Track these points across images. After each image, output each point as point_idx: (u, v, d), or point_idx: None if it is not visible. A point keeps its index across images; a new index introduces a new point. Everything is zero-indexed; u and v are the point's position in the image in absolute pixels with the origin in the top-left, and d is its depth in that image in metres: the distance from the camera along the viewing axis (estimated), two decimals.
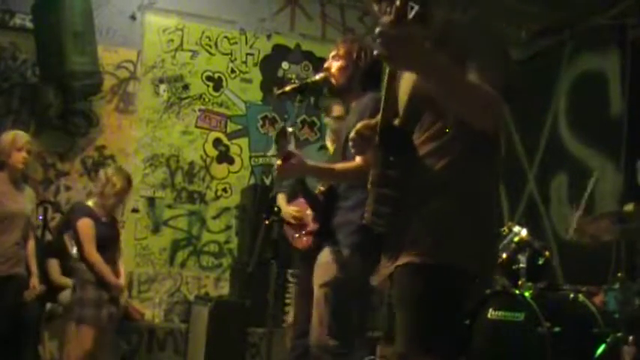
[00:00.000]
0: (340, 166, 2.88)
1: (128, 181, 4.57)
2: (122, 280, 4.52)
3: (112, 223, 4.60)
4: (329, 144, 4.38)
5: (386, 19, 1.69)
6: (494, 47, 1.92)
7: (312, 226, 3.69)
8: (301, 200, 3.89)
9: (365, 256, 2.74)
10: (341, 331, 2.85)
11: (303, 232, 3.81)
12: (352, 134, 2.16)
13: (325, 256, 2.93)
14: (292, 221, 3.91)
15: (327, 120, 4.53)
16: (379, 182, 1.90)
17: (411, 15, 1.68)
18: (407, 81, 2.00)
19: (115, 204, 4.55)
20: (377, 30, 1.70)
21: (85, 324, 4.25)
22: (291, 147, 2.82)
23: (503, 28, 2.02)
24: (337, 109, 4.31)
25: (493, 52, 1.89)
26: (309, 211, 3.77)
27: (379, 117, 1.96)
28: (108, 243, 4.46)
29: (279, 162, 2.65)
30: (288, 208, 4.05)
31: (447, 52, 1.83)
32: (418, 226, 1.88)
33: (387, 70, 1.90)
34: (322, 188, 3.14)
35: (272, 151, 6.42)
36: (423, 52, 1.75)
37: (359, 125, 2.16)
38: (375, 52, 1.73)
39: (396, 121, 1.95)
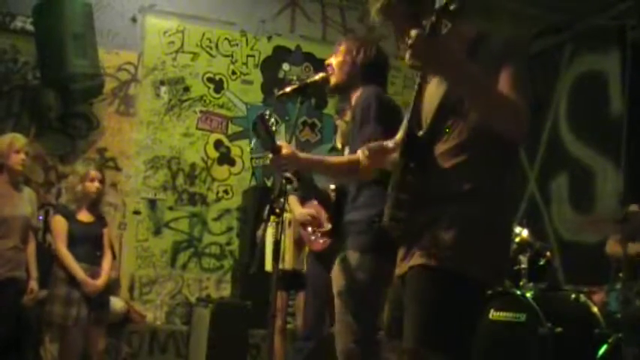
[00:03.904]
0: (335, 159, 2.84)
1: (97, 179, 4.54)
2: (100, 280, 4.37)
3: (92, 222, 4.54)
4: (339, 146, 4.38)
5: (415, 31, 1.78)
6: (524, 59, 1.97)
7: (326, 226, 3.66)
8: (315, 202, 3.87)
9: (376, 257, 2.70)
10: (365, 336, 2.79)
11: (319, 234, 3.78)
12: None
13: (337, 264, 2.88)
14: (309, 220, 3.86)
15: (339, 122, 4.52)
16: (398, 187, 1.95)
17: (444, 31, 1.77)
18: (434, 91, 2.04)
19: (88, 201, 4.51)
20: (409, 40, 1.79)
21: (54, 322, 4.27)
22: (279, 137, 2.74)
23: (528, 39, 2.12)
24: (349, 113, 4.29)
25: (524, 65, 1.95)
26: (323, 213, 3.73)
27: (403, 125, 1.99)
28: (82, 241, 4.41)
29: (270, 155, 2.60)
30: (302, 210, 4.03)
31: (477, 63, 1.89)
32: (435, 230, 1.92)
33: (417, 82, 1.98)
34: (333, 187, 3.12)
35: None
36: (455, 58, 1.84)
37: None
38: (407, 62, 1.81)
39: (421, 130, 1.99)
